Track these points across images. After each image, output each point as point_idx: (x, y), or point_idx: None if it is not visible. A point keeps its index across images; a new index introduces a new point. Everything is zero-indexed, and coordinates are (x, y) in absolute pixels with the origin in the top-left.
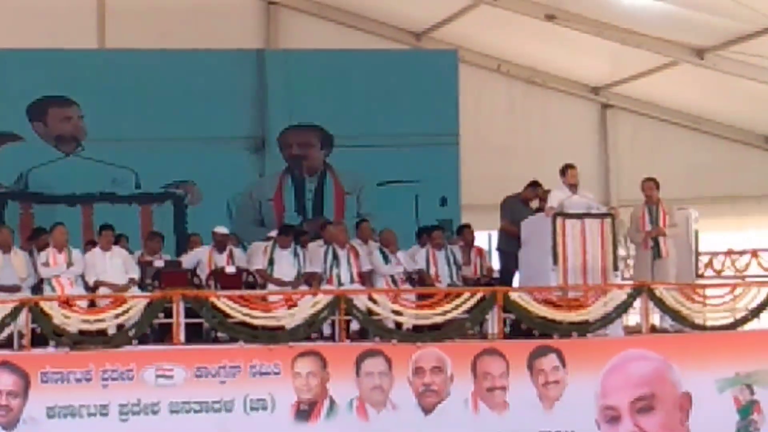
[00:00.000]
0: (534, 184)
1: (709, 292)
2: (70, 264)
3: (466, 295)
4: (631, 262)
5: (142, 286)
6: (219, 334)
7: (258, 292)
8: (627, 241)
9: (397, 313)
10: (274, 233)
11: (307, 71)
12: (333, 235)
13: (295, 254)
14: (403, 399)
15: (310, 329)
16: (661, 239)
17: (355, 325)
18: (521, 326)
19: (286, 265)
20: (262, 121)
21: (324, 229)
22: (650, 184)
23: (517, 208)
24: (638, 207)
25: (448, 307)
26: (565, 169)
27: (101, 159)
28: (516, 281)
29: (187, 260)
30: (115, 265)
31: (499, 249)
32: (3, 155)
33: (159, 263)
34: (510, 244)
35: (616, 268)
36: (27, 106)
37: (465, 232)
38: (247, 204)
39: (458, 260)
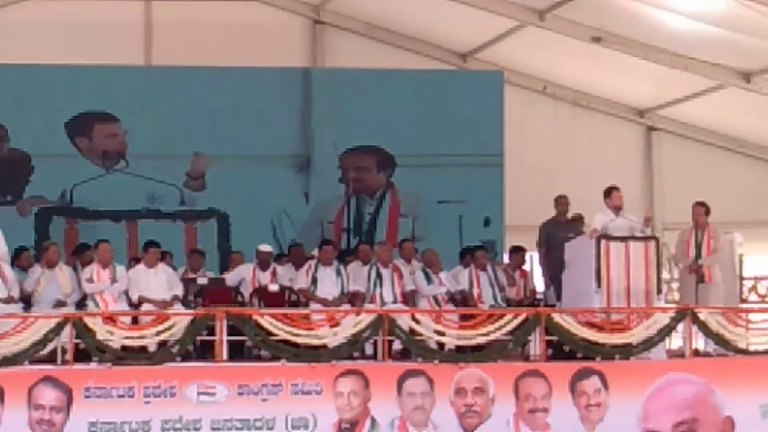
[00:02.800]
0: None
1: (752, 316)
2: (114, 280)
3: (509, 316)
4: (675, 285)
5: (185, 303)
6: (261, 352)
7: (301, 310)
8: (671, 264)
9: (439, 333)
10: (315, 252)
11: (352, 90)
12: (378, 255)
13: (338, 273)
14: (444, 419)
15: (352, 348)
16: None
17: (397, 345)
18: (564, 348)
19: (329, 284)
20: (306, 140)
21: (357, 250)
22: (699, 209)
23: (553, 232)
24: (685, 231)
25: (490, 327)
26: (610, 192)
27: (146, 176)
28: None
29: (231, 278)
30: (159, 281)
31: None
32: (48, 170)
33: (202, 280)
34: (550, 268)
35: (659, 291)
36: (72, 122)
37: (516, 256)
38: (313, 224)
39: (501, 281)
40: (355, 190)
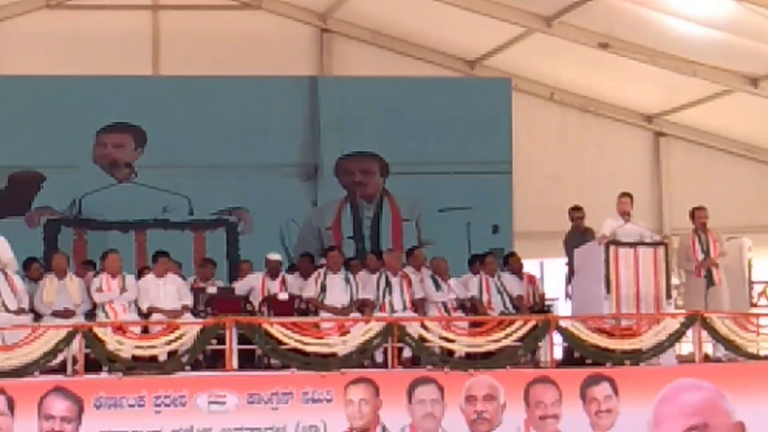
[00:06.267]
0: (573, 209)
1: (763, 321)
2: (123, 290)
3: (519, 322)
4: (680, 289)
5: (195, 312)
6: (271, 361)
7: (311, 318)
8: (677, 270)
9: (449, 340)
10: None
11: (360, 98)
12: (386, 262)
13: (347, 281)
14: (455, 427)
15: (362, 356)
16: (713, 267)
17: (407, 353)
18: (574, 355)
19: (338, 292)
20: (314, 148)
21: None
22: (702, 213)
23: (577, 240)
24: (687, 235)
25: (500, 334)
26: (618, 198)
27: (154, 185)
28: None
29: (240, 287)
30: (168, 291)
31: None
32: (57, 181)
33: (212, 290)
34: None
35: (669, 297)
36: (80, 132)
37: (511, 261)
38: (307, 232)
39: (509, 288)
40: (352, 195)
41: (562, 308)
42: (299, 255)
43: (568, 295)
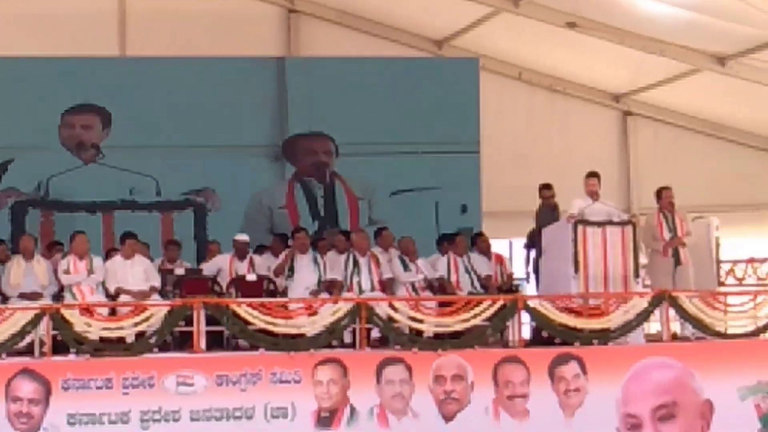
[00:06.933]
0: (543, 187)
1: (730, 299)
2: (91, 272)
3: (487, 302)
4: (647, 269)
5: (163, 294)
6: (240, 342)
7: (279, 299)
8: (644, 249)
9: (417, 320)
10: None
11: (327, 79)
12: (355, 243)
13: (316, 261)
14: (423, 407)
15: (330, 337)
16: (680, 247)
17: (375, 333)
18: (542, 334)
19: (306, 273)
20: (282, 129)
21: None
22: (669, 193)
23: (547, 217)
24: (652, 215)
25: (468, 314)
26: (586, 178)
27: (122, 167)
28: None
29: (208, 268)
30: (136, 273)
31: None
32: (23, 163)
33: (180, 271)
34: None
35: (637, 276)
36: (47, 113)
37: (478, 241)
38: (257, 211)
39: (477, 268)
40: (307, 175)
41: (530, 288)
42: (273, 235)
43: (527, 272)
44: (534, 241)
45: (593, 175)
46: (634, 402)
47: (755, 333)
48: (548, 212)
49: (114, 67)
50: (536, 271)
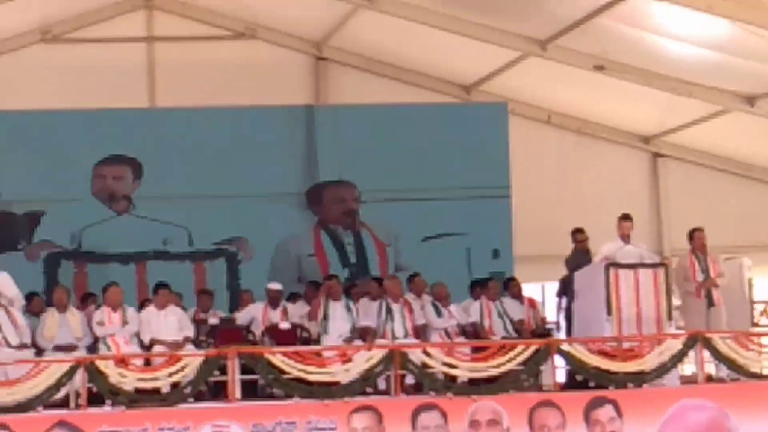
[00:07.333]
0: (576, 231)
1: (765, 340)
2: (125, 323)
3: (521, 347)
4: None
5: (196, 343)
6: (274, 391)
7: (313, 348)
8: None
9: (452, 366)
10: None
11: (356, 126)
12: (388, 289)
13: (349, 308)
14: None
15: (365, 384)
16: (712, 288)
17: (410, 379)
18: (577, 378)
19: (340, 320)
20: (312, 176)
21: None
22: (701, 234)
23: (580, 262)
24: (684, 256)
25: (502, 359)
26: (619, 221)
27: (154, 217)
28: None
29: (241, 317)
30: (169, 323)
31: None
32: (56, 215)
33: (213, 320)
34: None
35: (670, 318)
36: (78, 165)
37: (510, 285)
38: (284, 260)
39: (510, 312)
40: (334, 222)
41: (561, 336)
42: (306, 283)
43: (558, 321)
44: (566, 289)
45: (627, 218)
46: None
47: None
48: (581, 256)
49: (144, 119)
50: (568, 318)
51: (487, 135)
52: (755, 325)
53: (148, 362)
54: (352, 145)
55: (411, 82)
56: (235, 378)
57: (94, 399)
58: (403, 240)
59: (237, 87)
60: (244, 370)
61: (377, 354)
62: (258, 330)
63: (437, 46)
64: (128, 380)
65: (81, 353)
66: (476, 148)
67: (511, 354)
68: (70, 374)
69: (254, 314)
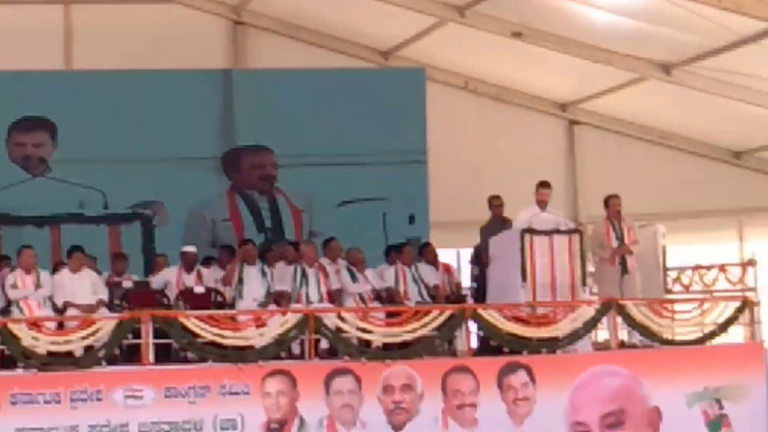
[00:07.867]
0: (492, 198)
1: (677, 307)
2: (38, 286)
3: (435, 312)
4: (594, 277)
5: (110, 307)
6: (188, 355)
7: (227, 312)
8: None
9: (366, 331)
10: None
11: (273, 91)
12: (303, 254)
13: (263, 273)
14: (373, 417)
15: (279, 348)
16: (627, 255)
17: (324, 344)
18: (490, 343)
19: (255, 284)
20: (228, 141)
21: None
22: (617, 201)
23: (497, 229)
24: (599, 223)
25: (417, 324)
26: (538, 188)
27: (69, 180)
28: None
29: (156, 281)
30: (83, 286)
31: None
32: None
33: (127, 284)
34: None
35: (584, 284)
36: None
37: (425, 251)
38: (198, 224)
39: (425, 278)
40: (249, 187)
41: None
42: (220, 247)
43: (471, 287)
44: (479, 257)
45: (545, 185)
46: (582, 410)
47: (702, 340)
48: (498, 223)
49: (60, 81)
50: (480, 287)
51: (404, 101)
52: (669, 292)
53: (61, 325)
54: (269, 109)
55: (329, 47)
56: (148, 341)
57: (7, 362)
58: (320, 205)
59: (155, 51)
60: (158, 333)
61: (292, 318)
62: (172, 294)
63: (356, 12)
64: (41, 343)
65: None
66: (394, 114)
67: (426, 319)
68: None
69: (168, 278)
